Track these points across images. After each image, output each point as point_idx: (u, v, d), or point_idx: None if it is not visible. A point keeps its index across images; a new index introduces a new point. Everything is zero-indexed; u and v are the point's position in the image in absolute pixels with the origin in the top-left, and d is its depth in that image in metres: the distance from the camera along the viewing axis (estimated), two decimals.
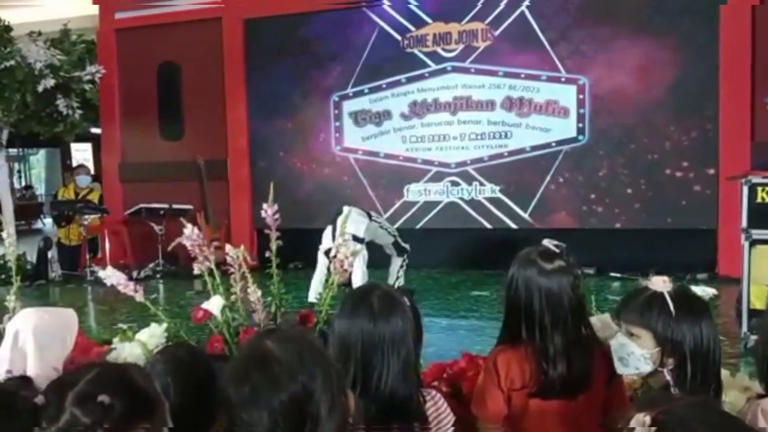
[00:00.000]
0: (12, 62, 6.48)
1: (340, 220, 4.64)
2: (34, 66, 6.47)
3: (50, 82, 6.52)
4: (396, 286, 5.28)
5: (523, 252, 1.72)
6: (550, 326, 1.62)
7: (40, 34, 6.98)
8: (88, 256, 6.78)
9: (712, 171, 6.05)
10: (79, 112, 7.02)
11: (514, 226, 6.63)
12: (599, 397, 1.68)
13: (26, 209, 15.15)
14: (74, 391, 1.02)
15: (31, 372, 1.86)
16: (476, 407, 1.75)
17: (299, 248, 5.71)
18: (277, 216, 2.49)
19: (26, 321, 1.98)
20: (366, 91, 7.05)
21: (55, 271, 6.73)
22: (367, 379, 1.42)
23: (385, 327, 1.45)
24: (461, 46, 6.74)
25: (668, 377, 1.48)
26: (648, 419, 1.03)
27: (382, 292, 1.52)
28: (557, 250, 1.68)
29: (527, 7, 6.47)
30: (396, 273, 5.37)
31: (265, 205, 2.49)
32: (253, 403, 1.03)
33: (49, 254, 6.75)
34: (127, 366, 1.16)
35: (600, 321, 2.05)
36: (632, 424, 1.04)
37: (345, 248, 2.56)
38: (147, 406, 1.07)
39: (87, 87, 7.00)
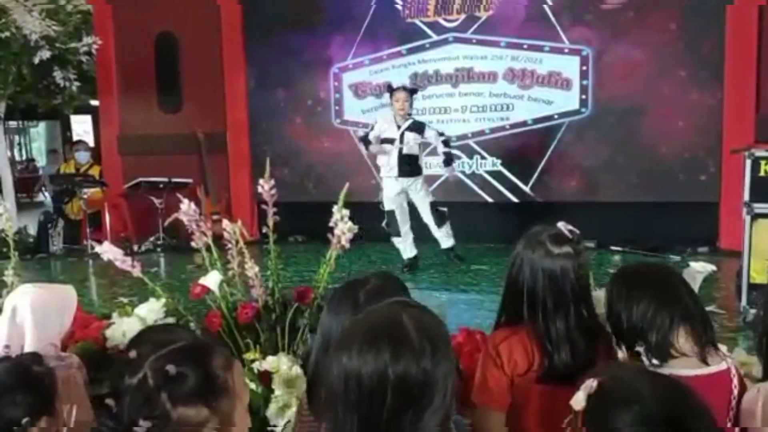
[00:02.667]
0: (7, 33, 6.39)
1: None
2: (30, 37, 6.38)
3: (46, 54, 6.44)
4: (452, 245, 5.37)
5: (533, 230, 1.67)
6: (553, 310, 1.58)
7: (35, 4, 6.86)
8: (89, 230, 6.78)
9: (715, 143, 6.00)
10: (76, 84, 6.95)
11: (515, 199, 6.61)
12: None
13: (28, 182, 15.14)
14: (157, 354, 1.06)
15: (28, 348, 1.87)
16: (479, 395, 1.64)
17: (299, 221, 5.70)
18: (273, 191, 2.47)
19: (24, 297, 1.98)
20: (366, 62, 6.96)
21: (57, 245, 6.74)
22: None
23: None
24: (463, 16, 6.62)
25: None
26: (595, 384, 1.05)
27: (371, 286, 1.48)
28: (570, 236, 1.63)
29: None
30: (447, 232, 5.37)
31: (261, 180, 2.48)
32: (370, 369, 0.99)
33: (50, 227, 6.75)
34: (213, 347, 1.14)
35: (596, 298, 2.04)
36: (581, 389, 1.05)
37: (343, 224, 2.54)
38: (211, 390, 1.05)
39: (84, 59, 6.91)
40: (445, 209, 5.35)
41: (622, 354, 1.64)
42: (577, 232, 1.66)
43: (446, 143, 5.43)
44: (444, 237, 5.36)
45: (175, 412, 0.99)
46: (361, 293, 1.45)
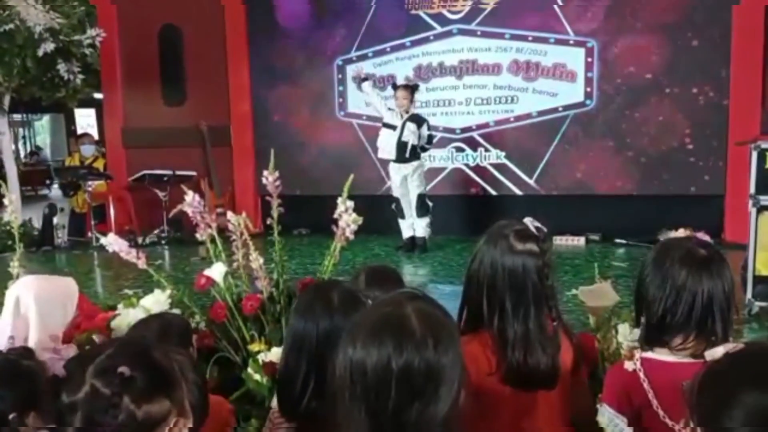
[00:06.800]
0: (11, 26, 6.38)
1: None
2: (34, 30, 6.36)
3: (50, 46, 6.42)
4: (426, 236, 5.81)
5: (497, 225, 1.59)
6: (511, 310, 1.50)
7: None
8: (93, 222, 6.80)
9: (721, 136, 5.97)
10: (80, 77, 6.94)
11: (519, 192, 6.59)
12: (564, 392, 1.59)
13: (32, 175, 15.18)
14: (94, 364, 1.04)
15: (33, 339, 1.87)
16: None
17: (303, 215, 5.71)
18: (278, 183, 2.47)
19: (27, 288, 1.99)
20: (370, 54, 6.93)
21: (61, 237, 6.76)
22: (321, 377, 1.34)
23: (344, 323, 1.34)
24: (467, 8, 6.59)
25: None
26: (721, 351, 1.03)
27: (343, 289, 1.47)
28: (536, 233, 1.54)
29: None
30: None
31: (265, 173, 2.47)
32: (374, 365, 0.99)
33: (55, 220, 6.76)
34: (146, 342, 1.16)
35: (600, 289, 2.03)
36: (707, 355, 1.04)
37: (348, 216, 2.54)
38: (167, 382, 1.07)
39: (87, 51, 6.89)
40: (430, 204, 5.88)
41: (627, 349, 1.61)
42: (545, 229, 1.56)
43: (429, 141, 5.90)
44: (419, 227, 5.90)
45: (140, 411, 0.99)
46: (334, 295, 1.44)
